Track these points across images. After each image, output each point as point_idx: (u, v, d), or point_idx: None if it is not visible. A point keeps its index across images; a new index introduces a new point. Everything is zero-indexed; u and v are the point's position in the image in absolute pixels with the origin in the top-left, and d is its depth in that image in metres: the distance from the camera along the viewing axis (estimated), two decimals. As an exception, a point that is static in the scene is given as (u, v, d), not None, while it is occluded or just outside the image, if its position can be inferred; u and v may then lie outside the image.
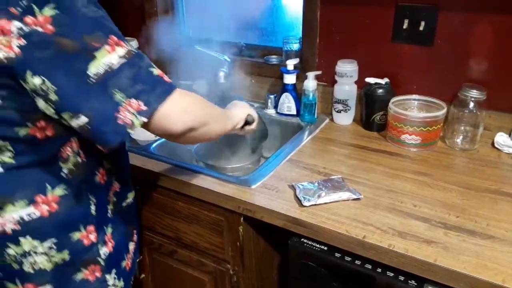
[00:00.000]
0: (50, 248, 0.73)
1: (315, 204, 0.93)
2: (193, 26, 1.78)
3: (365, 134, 1.29)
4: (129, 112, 0.64)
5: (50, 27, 0.58)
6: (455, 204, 0.93)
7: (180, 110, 0.70)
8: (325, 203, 0.93)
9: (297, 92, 1.41)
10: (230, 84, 1.51)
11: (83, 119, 0.63)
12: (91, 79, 0.61)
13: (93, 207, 0.77)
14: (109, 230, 0.82)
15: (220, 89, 1.51)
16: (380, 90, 1.26)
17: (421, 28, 1.22)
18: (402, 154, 1.16)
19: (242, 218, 1.01)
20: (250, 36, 1.62)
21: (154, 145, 1.25)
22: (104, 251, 0.80)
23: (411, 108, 1.24)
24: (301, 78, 1.39)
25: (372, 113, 1.28)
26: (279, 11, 1.58)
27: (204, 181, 1.04)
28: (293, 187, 1.00)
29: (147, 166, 1.11)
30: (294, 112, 1.41)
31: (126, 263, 0.88)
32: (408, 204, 0.94)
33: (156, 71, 0.68)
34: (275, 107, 1.45)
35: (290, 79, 1.39)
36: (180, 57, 1.69)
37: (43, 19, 0.58)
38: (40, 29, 0.58)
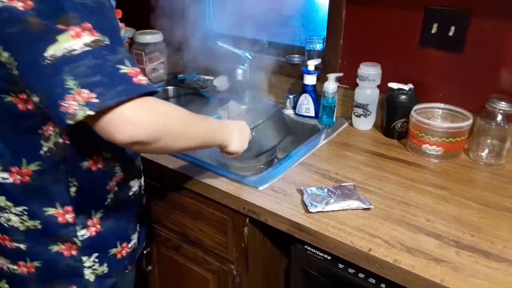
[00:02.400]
0: (22, 213, 0.76)
1: (321, 211, 0.89)
2: (219, 21, 1.77)
3: (384, 141, 1.24)
4: (76, 101, 0.59)
5: (30, 2, 0.59)
6: (472, 222, 0.88)
7: (136, 119, 0.63)
8: (333, 210, 0.90)
9: (317, 94, 1.37)
10: (250, 81, 1.49)
11: (36, 98, 0.66)
12: (46, 60, 0.59)
13: (73, 189, 0.77)
14: (97, 215, 0.82)
15: (239, 86, 1.50)
16: (403, 96, 1.21)
17: (450, 34, 1.15)
18: (422, 164, 1.11)
19: (248, 219, 0.99)
20: (274, 34, 1.58)
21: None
22: (83, 233, 0.80)
23: (434, 117, 1.18)
24: (322, 79, 1.35)
25: (393, 119, 1.23)
26: (308, 9, 1.54)
27: (211, 179, 1.02)
28: (301, 192, 0.97)
29: (158, 160, 1.11)
30: (313, 114, 1.38)
31: (118, 251, 0.87)
32: (421, 218, 0.89)
33: (128, 70, 0.63)
34: (294, 107, 1.42)
35: (310, 79, 1.35)
36: (203, 52, 1.69)
37: None
38: (19, 4, 0.59)
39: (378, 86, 1.27)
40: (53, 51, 0.59)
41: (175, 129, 0.71)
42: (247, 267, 1.07)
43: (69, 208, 0.78)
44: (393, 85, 1.22)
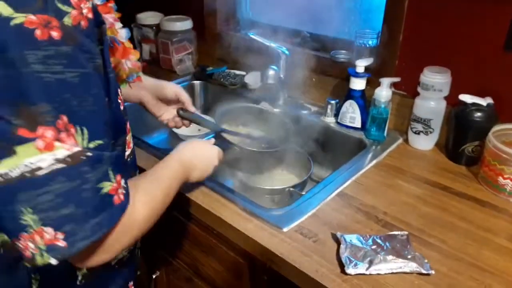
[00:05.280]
0: None
1: (363, 274, 0.68)
2: (255, 8, 1.54)
3: (448, 167, 0.99)
4: (34, 244, 0.43)
5: None
6: None
7: (125, 230, 0.51)
8: (378, 274, 0.68)
9: (365, 101, 1.13)
10: (286, 80, 1.27)
11: None
12: None
13: (35, 285, 0.60)
14: None
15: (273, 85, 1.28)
16: (478, 113, 0.94)
17: (551, 35, 0.87)
18: (498, 206, 0.85)
19: (268, 265, 0.79)
20: (317, 25, 1.34)
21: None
22: None
23: (519, 143, 0.91)
24: (372, 83, 1.11)
25: (463, 141, 0.97)
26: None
27: (225, 209, 0.83)
28: (337, 239, 0.75)
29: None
30: (359, 125, 1.14)
31: None
32: (500, 294, 0.65)
33: (110, 185, 0.47)
34: (336, 115, 1.19)
35: (358, 84, 1.11)
36: (235, 43, 1.48)
37: None
38: None
39: (445, 98, 1.01)
40: (7, 168, 0.40)
41: (157, 215, 0.61)
42: (266, 315, 0.88)
43: None
44: (466, 97, 0.96)
